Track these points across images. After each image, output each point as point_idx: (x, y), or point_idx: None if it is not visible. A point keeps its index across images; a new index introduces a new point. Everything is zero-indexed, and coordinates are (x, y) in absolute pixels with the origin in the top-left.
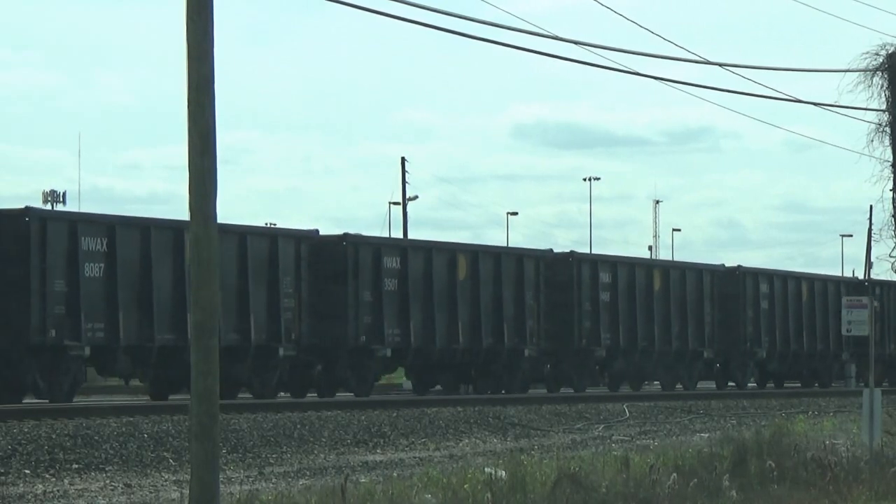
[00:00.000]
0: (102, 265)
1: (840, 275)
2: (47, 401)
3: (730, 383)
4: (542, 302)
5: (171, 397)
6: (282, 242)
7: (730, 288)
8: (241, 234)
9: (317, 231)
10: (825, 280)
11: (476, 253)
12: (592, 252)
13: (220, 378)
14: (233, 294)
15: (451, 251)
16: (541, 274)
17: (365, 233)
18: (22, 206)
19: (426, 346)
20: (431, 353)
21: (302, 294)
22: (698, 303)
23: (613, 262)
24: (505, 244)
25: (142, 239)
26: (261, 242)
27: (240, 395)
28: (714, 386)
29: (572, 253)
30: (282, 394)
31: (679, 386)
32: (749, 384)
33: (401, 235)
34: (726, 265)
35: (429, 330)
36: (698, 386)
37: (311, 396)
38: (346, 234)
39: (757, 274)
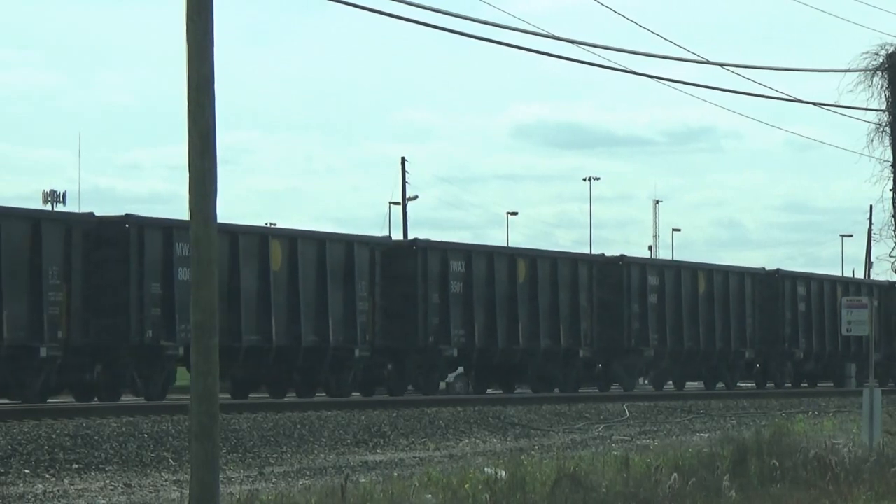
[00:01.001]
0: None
1: (870, 278)
2: (143, 398)
3: (768, 384)
4: (594, 304)
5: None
6: (357, 248)
7: (770, 290)
8: (321, 241)
9: (389, 237)
10: (859, 283)
11: (534, 258)
12: (641, 256)
13: (302, 377)
14: (312, 298)
15: (511, 255)
16: (593, 277)
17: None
18: (122, 213)
19: (489, 346)
20: (494, 353)
21: (375, 297)
22: (740, 305)
23: (661, 266)
24: (505, 244)
25: (230, 244)
26: (338, 248)
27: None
28: (754, 386)
29: (622, 257)
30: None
31: (720, 385)
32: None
33: (401, 235)
34: (766, 269)
35: (491, 331)
36: (733, 385)
37: (355, 396)
38: (416, 240)
39: (795, 277)
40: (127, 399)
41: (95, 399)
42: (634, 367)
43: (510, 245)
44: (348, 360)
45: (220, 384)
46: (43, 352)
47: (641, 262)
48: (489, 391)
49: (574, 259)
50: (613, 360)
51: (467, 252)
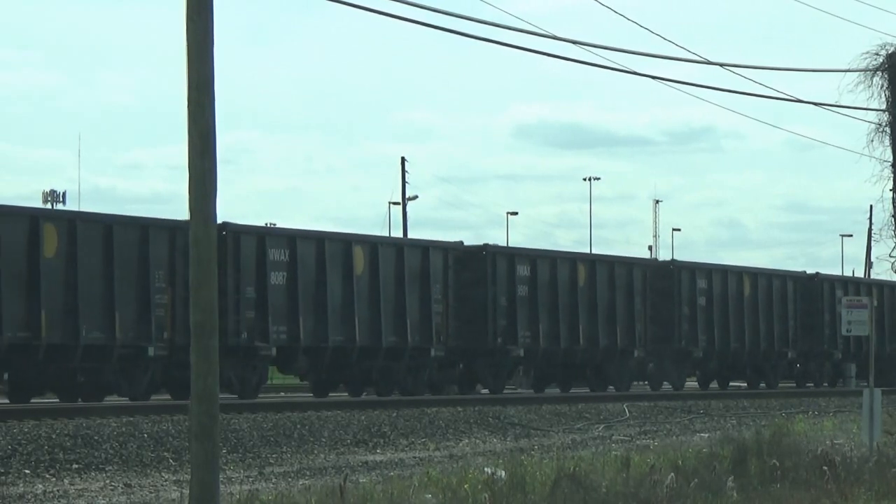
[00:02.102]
0: (285, 273)
1: None
2: (237, 396)
3: (808, 383)
4: (647, 307)
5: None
6: (432, 253)
7: (810, 293)
8: (399, 246)
9: (461, 242)
10: (893, 286)
11: (594, 262)
12: (690, 260)
13: (381, 376)
14: (392, 300)
15: (572, 260)
16: (647, 281)
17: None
18: (220, 220)
19: (552, 347)
20: (557, 353)
21: (449, 300)
22: (783, 307)
23: (709, 270)
24: (505, 244)
25: (317, 250)
26: (415, 253)
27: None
28: (794, 385)
29: (673, 261)
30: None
31: (762, 385)
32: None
33: (400, 235)
34: (807, 272)
35: (554, 332)
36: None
37: (370, 394)
38: (486, 245)
39: (833, 281)
40: (224, 397)
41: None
42: (684, 366)
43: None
44: (424, 359)
45: (304, 382)
46: (151, 351)
47: (691, 266)
48: (546, 390)
49: (630, 263)
50: (665, 359)
51: (532, 257)
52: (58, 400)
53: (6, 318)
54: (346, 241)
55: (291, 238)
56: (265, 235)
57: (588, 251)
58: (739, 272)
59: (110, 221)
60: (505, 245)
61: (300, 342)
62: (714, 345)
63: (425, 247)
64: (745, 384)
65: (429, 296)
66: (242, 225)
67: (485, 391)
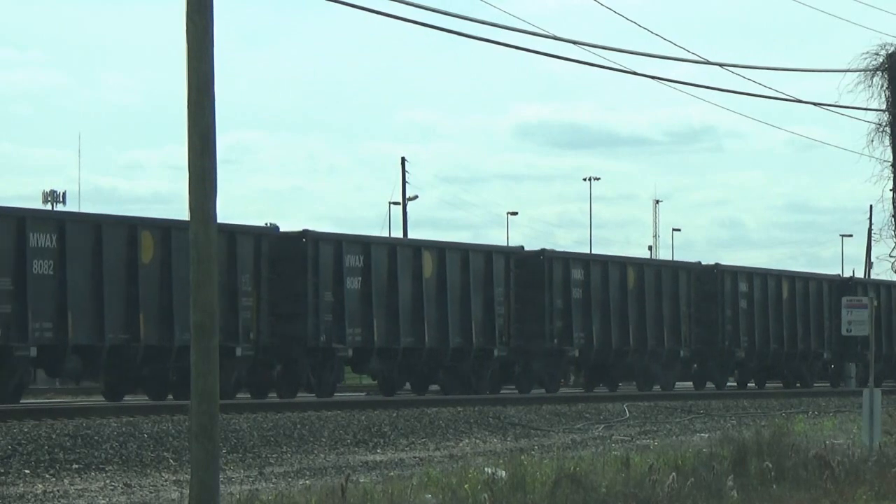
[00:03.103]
0: (360, 278)
1: None
2: (314, 395)
3: (842, 384)
4: (692, 309)
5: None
6: (495, 257)
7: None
8: (465, 251)
9: (522, 247)
10: None
11: (642, 265)
12: (734, 264)
13: (448, 375)
14: (458, 303)
15: (623, 264)
16: (691, 284)
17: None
18: (300, 228)
19: (604, 347)
20: (608, 354)
21: (510, 302)
22: (818, 309)
23: (750, 273)
24: (506, 244)
25: (389, 256)
26: (479, 258)
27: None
28: (829, 385)
29: (717, 265)
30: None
31: (798, 385)
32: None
33: (401, 235)
34: (843, 276)
35: (606, 333)
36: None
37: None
38: (543, 250)
39: (867, 284)
40: (303, 396)
41: (274, 395)
42: (727, 366)
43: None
44: (487, 359)
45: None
46: (238, 351)
47: (733, 269)
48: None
49: (675, 267)
50: (708, 360)
51: (586, 261)
52: (147, 398)
53: (108, 322)
54: (415, 247)
55: (366, 244)
56: (342, 242)
57: (588, 251)
58: (778, 275)
59: None
60: (560, 250)
61: (374, 344)
62: (755, 346)
63: (488, 251)
64: (782, 384)
65: (492, 299)
66: (321, 232)
67: (541, 390)
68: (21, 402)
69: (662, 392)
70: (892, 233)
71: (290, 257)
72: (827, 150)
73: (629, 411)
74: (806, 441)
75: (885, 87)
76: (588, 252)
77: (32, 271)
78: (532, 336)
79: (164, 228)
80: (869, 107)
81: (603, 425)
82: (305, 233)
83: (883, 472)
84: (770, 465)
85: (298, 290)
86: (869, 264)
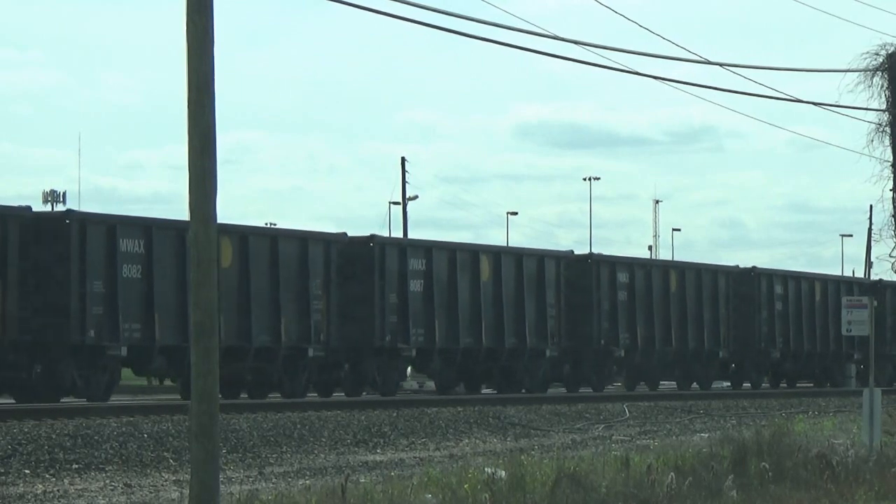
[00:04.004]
0: (422, 281)
1: None
2: (380, 394)
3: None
4: (731, 311)
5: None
6: (547, 261)
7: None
8: (519, 255)
9: (572, 251)
10: None
11: (684, 269)
12: (770, 268)
13: (502, 374)
14: (513, 305)
15: (665, 267)
16: (730, 287)
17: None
18: (368, 233)
19: (648, 347)
20: (651, 354)
21: (561, 304)
22: None
23: (785, 276)
24: (505, 244)
25: (448, 259)
26: (532, 262)
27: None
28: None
29: (754, 268)
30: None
31: (828, 384)
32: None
33: (401, 235)
34: (870, 279)
35: (650, 334)
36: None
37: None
38: (591, 254)
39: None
40: (370, 394)
41: (341, 393)
42: (763, 366)
43: (510, 244)
44: (540, 359)
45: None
46: (310, 352)
47: (770, 272)
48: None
49: (714, 270)
50: (745, 360)
51: (631, 265)
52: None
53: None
54: (473, 252)
55: (428, 248)
56: (406, 246)
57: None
58: (811, 279)
59: (276, 234)
60: (608, 254)
61: (435, 344)
62: (790, 346)
63: (541, 256)
64: (812, 384)
65: (544, 301)
66: (387, 237)
67: (588, 389)
68: (111, 399)
69: (662, 392)
70: (892, 233)
71: (357, 262)
72: (827, 150)
73: (629, 411)
74: (806, 441)
75: (885, 87)
76: (633, 256)
77: (122, 275)
78: (581, 337)
79: (241, 234)
80: (869, 107)
81: (603, 425)
82: (373, 238)
83: (883, 472)
84: (770, 465)
85: (366, 292)
86: (869, 264)
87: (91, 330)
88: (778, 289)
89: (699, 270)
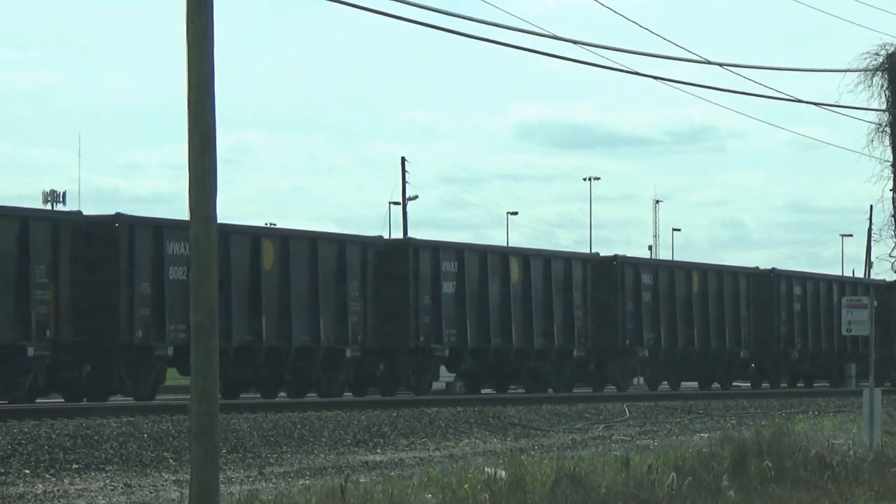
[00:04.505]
0: (454, 283)
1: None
2: (414, 394)
3: (885, 382)
4: (751, 311)
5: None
6: (574, 264)
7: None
8: (547, 258)
9: (598, 253)
10: None
11: (706, 271)
12: (790, 269)
13: (531, 374)
14: (541, 306)
15: (688, 269)
16: (750, 288)
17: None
18: (402, 236)
19: (671, 348)
20: (675, 354)
21: (587, 305)
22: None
23: (804, 278)
24: (505, 244)
25: (479, 261)
26: (559, 264)
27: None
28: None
29: (773, 270)
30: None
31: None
32: None
33: (401, 235)
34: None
35: (673, 335)
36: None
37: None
38: (616, 256)
39: None
40: (404, 394)
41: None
42: (782, 366)
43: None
44: (567, 359)
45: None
46: (348, 353)
47: (789, 274)
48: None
49: (735, 272)
50: (765, 360)
51: (654, 266)
52: (260, 396)
53: (235, 324)
54: (503, 254)
55: (460, 251)
56: (439, 248)
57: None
58: (829, 280)
59: (315, 237)
60: (633, 256)
61: (467, 344)
62: (808, 347)
63: (568, 258)
64: (828, 383)
65: (571, 302)
66: (421, 240)
67: (612, 387)
68: (157, 398)
69: (663, 392)
70: (892, 233)
71: (393, 264)
72: (827, 150)
73: (629, 411)
74: (806, 441)
75: (885, 87)
76: (657, 258)
77: (169, 277)
78: (606, 337)
79: (283, 238)
80: (869, 107)
81: (603, 425)
82: (408, 241)
83: (883, 472)
84: (770, 465)
85: (401, 294)
86: (869, 264)
87: (139, 330)
88: (797, 290)
89: (721, 272)
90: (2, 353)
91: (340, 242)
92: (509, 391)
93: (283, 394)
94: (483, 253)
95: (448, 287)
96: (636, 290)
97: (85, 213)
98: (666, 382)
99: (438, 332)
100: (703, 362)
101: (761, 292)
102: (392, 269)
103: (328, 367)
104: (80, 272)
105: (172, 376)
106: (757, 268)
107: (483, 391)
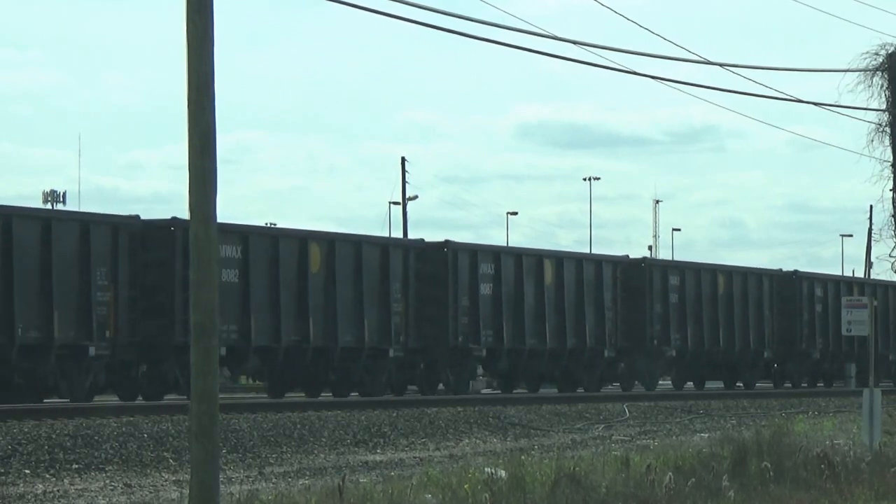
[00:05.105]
0: (491, 285)
1: None
2: (453, 393)
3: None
4: (774, 314)
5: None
6: (604, 266)
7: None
8: (579, 260)
9: (627, 256)
10: None
11: (731, 272)
12: (812, 271)
13: (563, 374)
14: (574, 307)
15: (713, 271)
16: (773, 290)
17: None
18: (442, 238)
19: (698, 348)
20: (701, 354)
21: (617, 307)
22: (885, 313)
23: (825, 280)
24: (505, 244)
25: (515, 264)
26: (590, 266)
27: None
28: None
29: (796, 272)
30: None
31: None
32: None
33: (401, 235)
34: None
35: (699, 335)
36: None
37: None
38: (644, 258)
39: None
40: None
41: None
42: (804, 367)
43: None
44: (598, 359)
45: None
46: (391, 353)
47: (811, 276)
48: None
49: (759, 274)
50: (788, 360)
51: (681, 268)
52: (304, 395)
53: (284, 325)
54: (538, 256)
55: (496, 253)
56: (477, 251)
57: (589, 251)
58: (850, 282)
59: (359, 241)
60: (661, 258)
61: (504, 345)
62: (829, 347)
63: (599, 260)
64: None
65: (602, 303)
66: (460, 242)
67: (640, 387)
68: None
69: (663, 392)
70: (892, 233)
71: (433, 266)
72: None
73: (629, 411)
74: (806, 441)
75: (885, 87)
76: (683, 260)
77: (221, 279)
78: (635, 337)
79: (329, 241)
80: (869, 107)
81: (603, 425)
82: (447, 243)
83: (883, 472)
84: (770, 465)
85: (440, 295)
86: (869, 264)
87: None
88: (818, 291)
89: (745, 274)
90: (65, 353)
91: (384, 245)
92: (540, 391)
93: (327, 393)
94: (518, 256)
95: (485, 289)
96: (664, 291)
97: (142, 217)
98: (691, 382)
99: (476, 333)
100: (727, 362)
101: (784, 294)
102: (432, 272)
103: (371, 366)
104: (137, 274)
105: None
106: (780, 270)
107: (515, 391)
